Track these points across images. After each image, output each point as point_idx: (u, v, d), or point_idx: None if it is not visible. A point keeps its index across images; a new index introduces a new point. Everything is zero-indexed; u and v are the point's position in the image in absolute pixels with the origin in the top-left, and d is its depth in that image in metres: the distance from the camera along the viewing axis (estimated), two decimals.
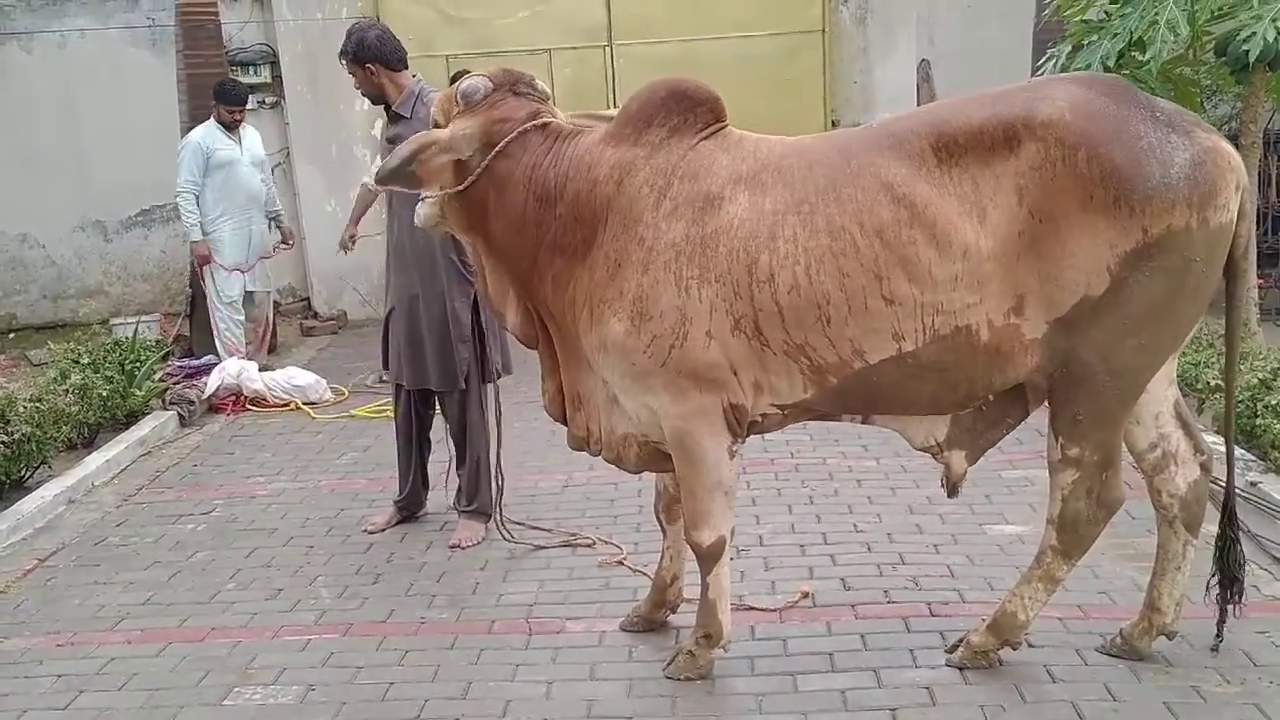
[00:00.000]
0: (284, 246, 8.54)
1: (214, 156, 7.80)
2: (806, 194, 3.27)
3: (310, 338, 9.96)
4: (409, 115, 4.83)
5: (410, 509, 5.25)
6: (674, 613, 4.03)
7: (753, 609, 4.12)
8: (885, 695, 3.51)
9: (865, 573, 4.40)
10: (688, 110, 3.43)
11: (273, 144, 9.26)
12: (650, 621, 4.03)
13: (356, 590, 4.57)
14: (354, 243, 6.92)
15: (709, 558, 3.57)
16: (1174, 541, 3.50)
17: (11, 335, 8.94)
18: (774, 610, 4.10)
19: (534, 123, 3.52)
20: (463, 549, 4.89)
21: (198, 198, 7.79)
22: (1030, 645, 3.72)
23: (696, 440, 3.44)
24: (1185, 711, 3.31)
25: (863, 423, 3.59)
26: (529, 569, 4.66)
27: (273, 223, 8.31)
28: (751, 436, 3.59)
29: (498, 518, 4.84)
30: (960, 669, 3.59)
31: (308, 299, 10.59)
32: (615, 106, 4.02)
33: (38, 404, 5.90)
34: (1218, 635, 3.59)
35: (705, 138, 3.42)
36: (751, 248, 3.27)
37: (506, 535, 4.82)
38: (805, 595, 4.19)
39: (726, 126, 3.48)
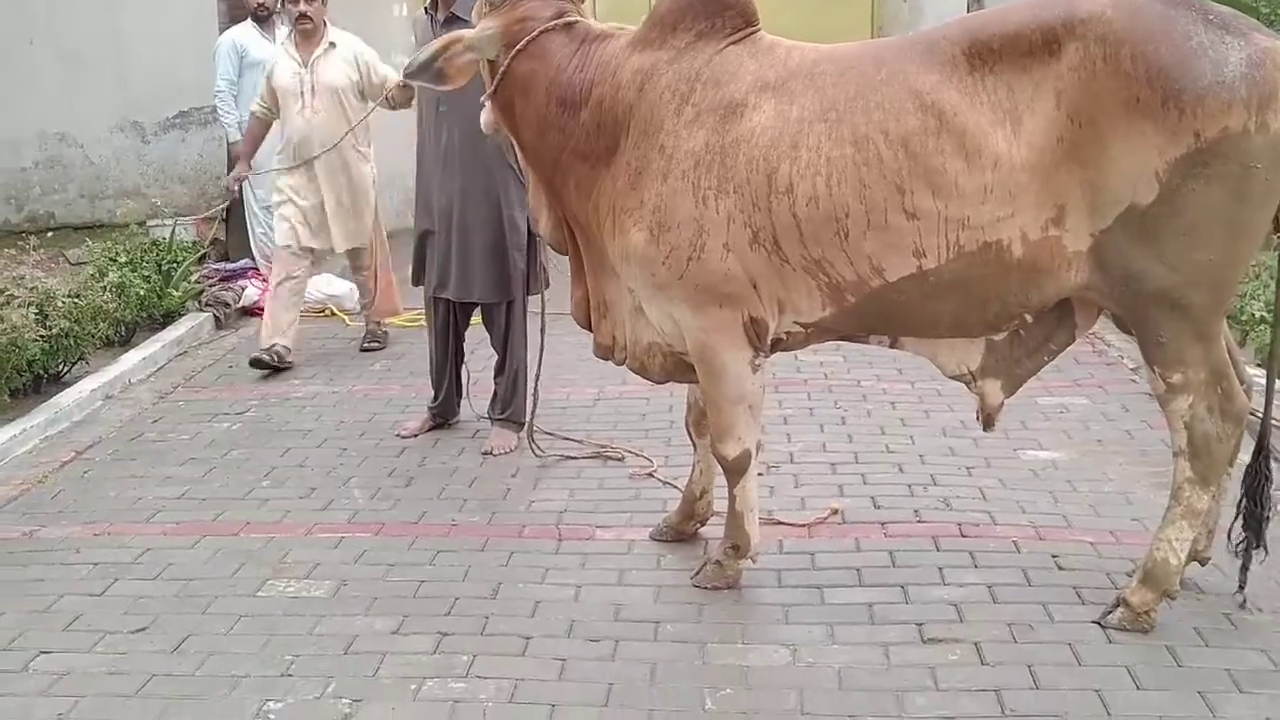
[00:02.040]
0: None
1: (247, 56, 7.73)
2: (835, 101, 3.17)
3: None
4: (468, 18, 4.65)
5: (444, 416, 5.27)
6: (703, 525, 4.04)
7: (781, 523, 4.12)
8: (912, 610, 3.52)
9: (896, 492, 4.39)
10: (716, 14, 3.32)
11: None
12: (680, 532, 4.02)
13: (389, 492, 4.61)
14: (239, 185, 6.86)
15: (735, 470, 3.55)
16: None
17: (49, 234, 8.95)
18: (803, 525, 4.10)
19: (557, 22, 3.46)
20: (495, 456, 4.91)
21: (235, 98, 7.75)
22: (1060, 569, 3.72)
23: (716, 354, 3.40)
24: (1216, 637, 3.30)
25: (891, 346, 3.52)
26: (560, 477, 4.68)
27: None
28: (784, 354, 3.58)
29: (529, 431, 4.84)
30: (1121, 629, 3.32)
31: None
32: None
33: (76, 300, 5.93)
34: (1241, 585, 3.45)
35: (734, 42, 3.31)
36: (772, 157, 3.18)
37: (536, 450, 4.82)
38: (835, 512, 4.19)
39: (757, 31, 3.37)
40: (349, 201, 6.39)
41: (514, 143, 3.74)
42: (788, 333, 3.45)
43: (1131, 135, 2.96)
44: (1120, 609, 3.34)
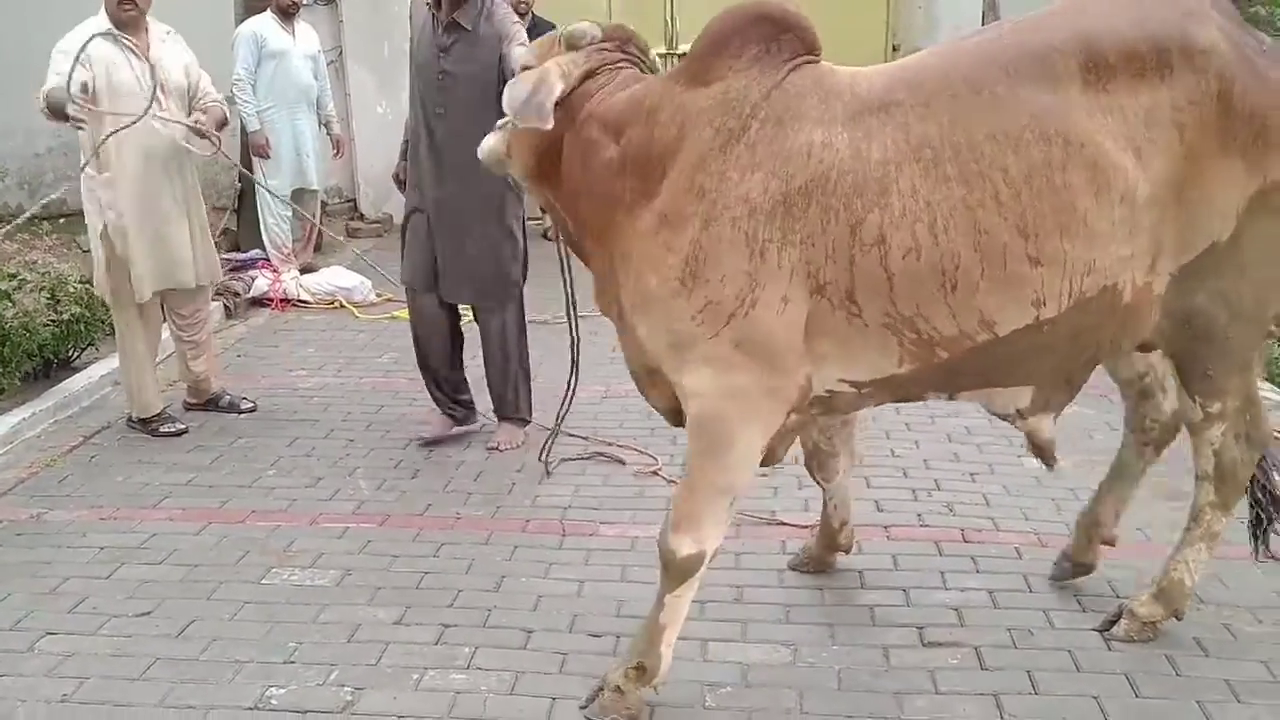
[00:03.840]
0: (335, 154, 8.52)
1: (266, 46, 7.74)
2: (928, 136, 2.73)
3: (355, 239, 9.97)
4: (470, 27, 4.62)
5: (463, 411, 5.19)
6: (848, 554, 3.79)
7: (785, 524, 4.14)
8: (913, 613, 3.54)
9: (899, 496, 4.41)
10: (772, 37, 2.84)
11: (327, 42, 9.18)
12: (820, 565, 3.79)
13: (394, 484, 4.63)
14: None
15: (678, 573, 2.95)
16: (1136, 463, 3.54)
17: (62, 220, 8.98)
18: (806, 526, 4.11)
19: (610, 65, 3.05)
20: (500, 451, 4.93)
21: (253, 87, 7.78)
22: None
23: (729, 424, 2.87)
24: (1215, 647, 3.32)
25: (949, 399, 3.14)
26: (565, 474, 4.70)
27: (324, 128, 8.29)
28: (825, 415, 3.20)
29: (544, 455, 4.73)
30: (1126, 640, 3.34)
31: (354, 200, 10.58)
32: (672, 45, 3.55)
33: (87, 285, 5.94)
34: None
35: (792, 71, 2.84)
36: (856, 206, 2.72)
37: (547, 467, 4.71)
38: None
39: (818, 60, 2.91)
40: None
41: (532, 186, 3.30)
42: (830, 391, 2.97)
43: (1224, 173, 2.84)
44: (1125, 620, 3.36)
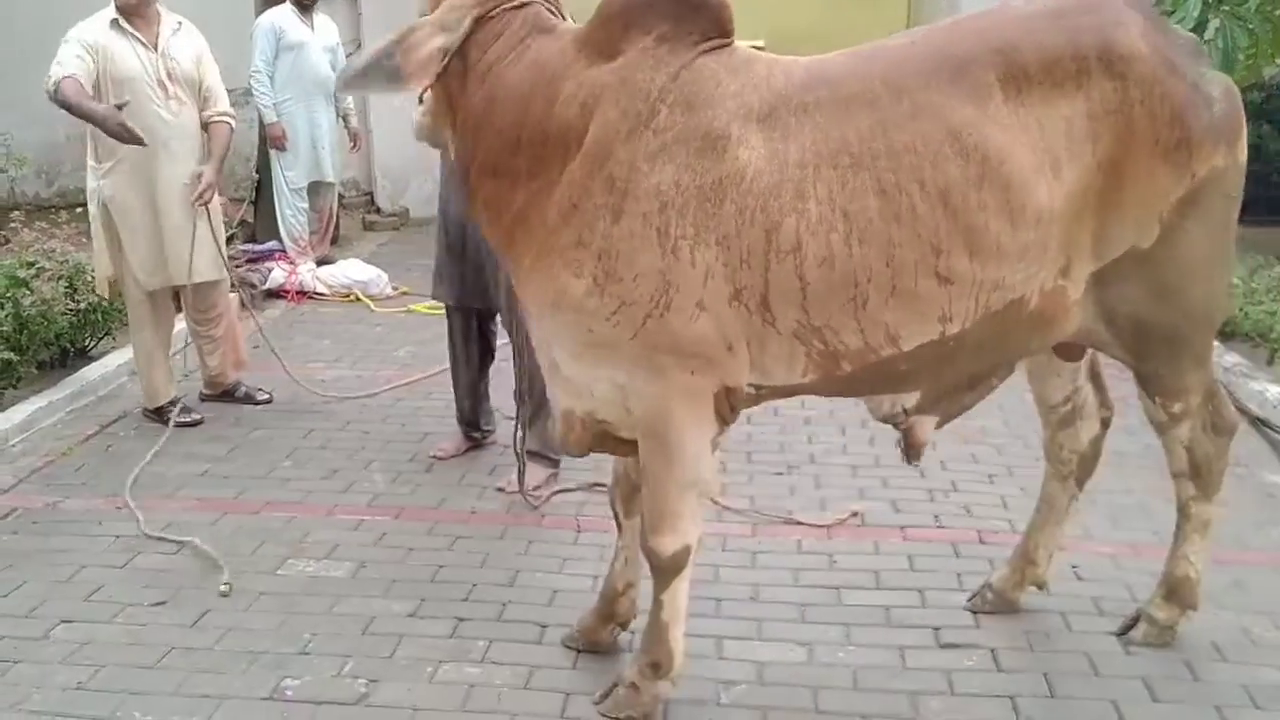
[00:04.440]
0: (351, 148, 8.53)
1: (284, 38, 7.77)
2: (846, 141, 2.61)
3: (371, 232, 9.99)
4: None
5: (477, 429, 4.93)
6: (624, 629, 3.33)
7: (801, 523, 4.12)
8: (929, 615, 3.52)
9: (916, 497, 4.38)
10: (681, 16, 2.66)
11: (346, 34, 9.19)
12: (594, 640, 3.32)
13: (410, 477, 4.63)
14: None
15: (668, 570, 2.91)
16: (1062, 496, 3.43)
17: (79, 209, 9.01)
18: (822, 526, 4.10)
19: (511, 5, 2.76)
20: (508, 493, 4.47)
21: (271, 79, 7.79)
22: (1079, 579, 3.70)
23: (674, 427, 2.77)
24: (1234, 652, 3.29)
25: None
26: (581, 470, 4.68)
27: (342, 120, 8.30)
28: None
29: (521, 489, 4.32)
30: (1145, 645, 3.31)
31: (371, 193, 10.59)
32: None
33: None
34: None
35: (704, 54, 2.68)
36: (773, 209, 2.59)
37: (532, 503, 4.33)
38: (854, 514, 4.19)
39: (731, 44, 2.73)
40: None
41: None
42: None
43: (1145, 179, 2.75)
44: (1144, 625, 3.33)
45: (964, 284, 2.66)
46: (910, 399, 2.97)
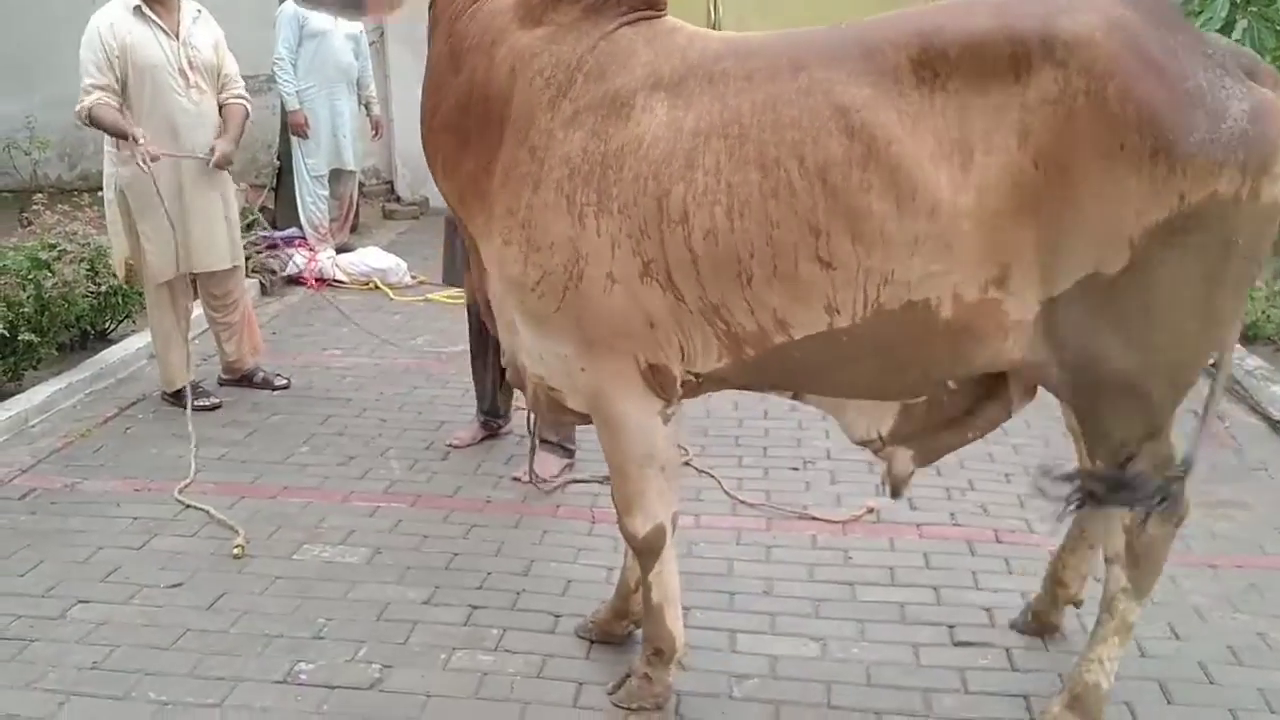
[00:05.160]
0: (373, 135, 8.54)
1: (307, 25, 7.79)
2: (739, 112, 2.51)
3: (391, 220, 10.01)
4: None
5: (494, 419, 4.94)
6: (638, 627, 3.24)
7: (816, 519, 4.12)
8: (944, 612, 3.51)
9: (933, 495, 4.36)
10: None
11: (368, 23, 9.21)
12: (608, 633, 3.34)
13: (426, 465, 4.64)
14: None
15: (647, 551, 2.89)
16: (1097, 520, 3.06)
17: (101, 192, 9.06)
18: (838, 522, 4.09)
19: None
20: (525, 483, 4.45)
21: (294, 66, 7.81)
22: (1095, 579, 3.67)
23: (613, 403, 2.75)
24: (1249, 656, 3.28)
25: (793, 398, 2.94)
26: (596, 460, 4.68)
27: (364, 108, 8.31)
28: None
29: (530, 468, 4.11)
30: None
31: (391, 182, 10.62)
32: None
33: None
34: None
35: (627, 24, 2.65)
36: (663, 176, 2.52)
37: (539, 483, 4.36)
38: (870, 511, 4.18)
39: (661, 16, 2.70)
40: None
41: None
42: (681, 382, 2.79)
43: (1108, 190, 2.37)
44: None
45: (847, 270, 2.49)
46: (885, 424, 2.83)
